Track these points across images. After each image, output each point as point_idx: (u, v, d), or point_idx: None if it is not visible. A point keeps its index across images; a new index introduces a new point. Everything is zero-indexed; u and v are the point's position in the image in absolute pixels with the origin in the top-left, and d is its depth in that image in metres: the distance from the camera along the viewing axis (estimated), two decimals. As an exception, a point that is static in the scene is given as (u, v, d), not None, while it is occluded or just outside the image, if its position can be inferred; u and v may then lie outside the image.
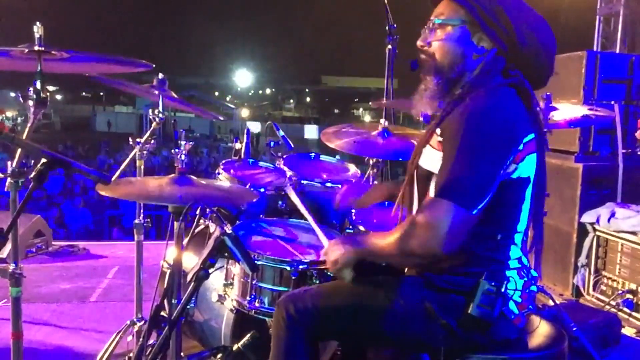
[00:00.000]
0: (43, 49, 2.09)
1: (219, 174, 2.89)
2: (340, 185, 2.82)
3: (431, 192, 1.65)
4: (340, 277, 1.83)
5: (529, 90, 1.72)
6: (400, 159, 2.87)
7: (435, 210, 1.57)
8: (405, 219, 1.81)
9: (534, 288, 1.75)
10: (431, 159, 1.72)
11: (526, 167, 1.66)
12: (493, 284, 1.63)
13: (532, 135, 1.67)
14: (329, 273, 2.07)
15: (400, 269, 1.89)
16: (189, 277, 2.16)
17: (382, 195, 2.29)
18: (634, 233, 3.71)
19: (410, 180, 1.83)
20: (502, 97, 1.67)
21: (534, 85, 1.75)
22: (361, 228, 2.58)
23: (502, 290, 1.64)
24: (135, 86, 2.92)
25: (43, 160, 1.62)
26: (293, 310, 1.76)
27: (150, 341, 2.23)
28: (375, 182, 3.16)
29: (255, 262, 2.01)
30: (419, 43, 1.80)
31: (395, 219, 1.93)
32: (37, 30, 2.08)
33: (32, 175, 1.63)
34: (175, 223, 1.97)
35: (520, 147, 1.62)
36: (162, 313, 2.05)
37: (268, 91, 70.73)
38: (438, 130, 1.70)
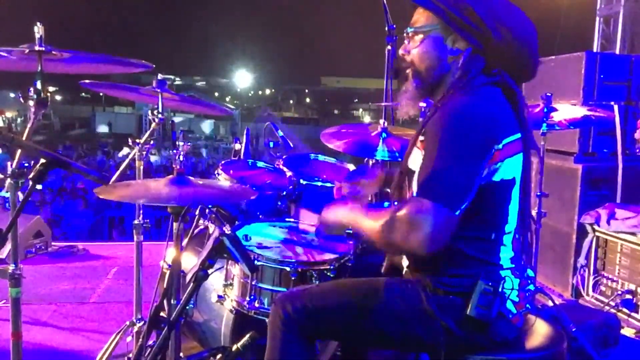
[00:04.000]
0: (43, 49, 2.09)
1: (218, 174, 2.89)
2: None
3: (414, 190, 1.65)
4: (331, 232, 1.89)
5: (514, 88, 1.73)
6: (400, 160, 2.88)
7: (418, 210, 1.55)
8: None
9: (531, 287, 1.76)
10: (417, 160, 1.74)
11: (509, 168, 1.66)
12: (490, 284, 1.63)
13: (517, 135, 1.67)
14: (328, 274, 2.08)
15: (399, 270, 1.89)
16: (188, 278, 2.16)
17: (378, 182, 2.31)
18: (633, 234, 3.71)
19: (401, 181, 1.86)
20: (484, 95, 1.69)
21: (519, 80, 1.77)
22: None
23: (499, 290, 1.65)
24: (134, 91, 2.90)
25: (42, 160, 1.62)
26: (290, 309, 1.76)
27: (150, 342, 2.23)
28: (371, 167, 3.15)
29: (255, 262, 2.02)
30: (400, 52, 1.87)
31: None
32: (38, 30, 2.08)
33: (31, 176, 1.63)
34: (174, 224, 1.97)
35: (500, 146, 1.62)
36: (162, 313, 2.04)
37: (267, 92, 70.74)
38: (423, 132, 1.73)
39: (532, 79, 1.85)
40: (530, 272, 1.78)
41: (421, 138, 1.72)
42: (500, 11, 1.72)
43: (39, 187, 1.65)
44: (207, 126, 39.42)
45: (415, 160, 1.76)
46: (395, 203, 1.91)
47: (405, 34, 1.84)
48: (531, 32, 1.76)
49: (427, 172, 1.59)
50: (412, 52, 1.81)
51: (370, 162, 3.20)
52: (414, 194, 1.61)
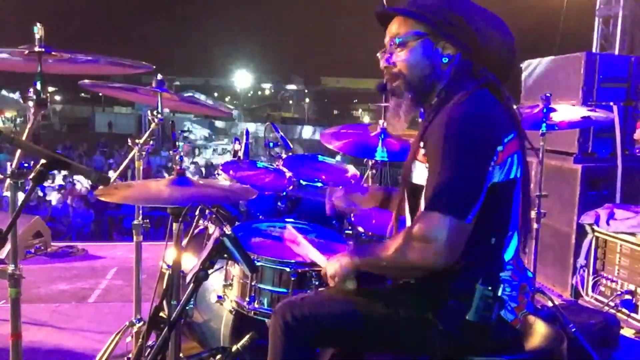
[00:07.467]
0: (43, 49, 2.09)
1: (218, 175, 2.89)
2: (340, 187, 2.82)
3: (422, 206, 1.64)
4: (342, 288, 1.83)
5: (500, 87, 1.74)
6: (401, 165, 2.88)
7: (429, 224, 1.55)
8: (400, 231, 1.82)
9: (530, 289, 1.75)
10: (419, 172, 1.72)
11: (512, 168, 1.66)
12: (489, 288, 1.62)
13: (511, 135, 1.67)
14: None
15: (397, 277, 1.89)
16: (188, 278, 2.16)
17: (375, 201, 2.31)
18: (632, 234, 3.71)
19: (403, 196, 1.84)
20: (478, 100, 1.67)
21: (501, 80, 1.77)
22: (360, 229, 2.58)
23: (499, 294, 1.64)
24: (133, 91, 2.89)
25: (42, 160, 1.62)
26: (290, 318, 1.75)
27: (150, 342, 2.23)
28: (371, 186, 3.16)
29: (255, 263, 2.02)
30: (383, 65, 1.82)
31: (392, 230, 1.94)
32: (38, 31, 2.08)
33: (31, 176, 1.63)
34: (174, 224, 1.97)
35: (501, 147, 1.62)
36: (161, 314, 2.04)
37: (267, 92, 70.66)
38: (422, 144, 1.71)
39: (511, 79, 1.86)
40: (529, 274, 1.78)
41: (423, 151, 1.70)
42: (478, 14, 1.74)
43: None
44: (206, 126, 39.40)
45: (418, 173, 1.74)
46: (396, 218, 1.91)
47: (386, 47, 1.80)
48: (507, 30, 1.78)
49: (433, 185, 1.58)
50: (400, 64, 1.77)
51: (370, 163, 3.21)
52: (423, 209, 1.61)
